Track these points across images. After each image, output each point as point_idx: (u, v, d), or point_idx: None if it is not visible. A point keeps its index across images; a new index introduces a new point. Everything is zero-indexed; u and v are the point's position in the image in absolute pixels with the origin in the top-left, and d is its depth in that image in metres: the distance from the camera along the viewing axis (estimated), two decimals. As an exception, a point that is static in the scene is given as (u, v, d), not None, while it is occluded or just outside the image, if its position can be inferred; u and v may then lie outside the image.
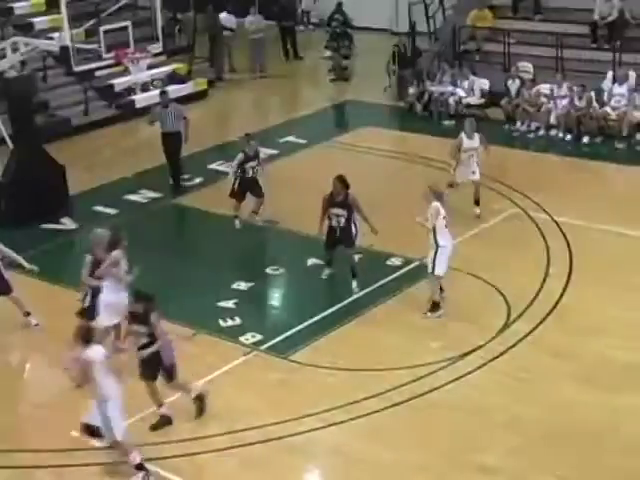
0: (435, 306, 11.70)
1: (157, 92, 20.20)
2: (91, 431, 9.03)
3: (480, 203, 14.38)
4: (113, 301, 10.52)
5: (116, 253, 10.65)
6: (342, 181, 12.14)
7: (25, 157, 15.11)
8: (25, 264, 11.84)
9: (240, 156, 13.82)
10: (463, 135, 14.32)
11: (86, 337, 8.89)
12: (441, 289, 11.86)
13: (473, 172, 14.30)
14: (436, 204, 11.50)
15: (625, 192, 15.43)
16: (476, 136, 14.37)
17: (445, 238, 11.59)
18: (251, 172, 13.85)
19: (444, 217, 11.54)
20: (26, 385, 11.30)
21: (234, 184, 14.00)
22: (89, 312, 10.68)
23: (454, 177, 14.42)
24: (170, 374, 9.68)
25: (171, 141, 16.07)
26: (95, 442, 9.19)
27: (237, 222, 14.11)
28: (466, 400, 10.03)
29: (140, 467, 8.96)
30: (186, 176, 16.55)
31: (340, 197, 12.07)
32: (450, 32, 20.83)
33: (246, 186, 13.95)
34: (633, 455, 8.99)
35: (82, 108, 20.31)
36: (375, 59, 22.98)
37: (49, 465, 9.32)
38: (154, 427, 9.70)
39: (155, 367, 9.62)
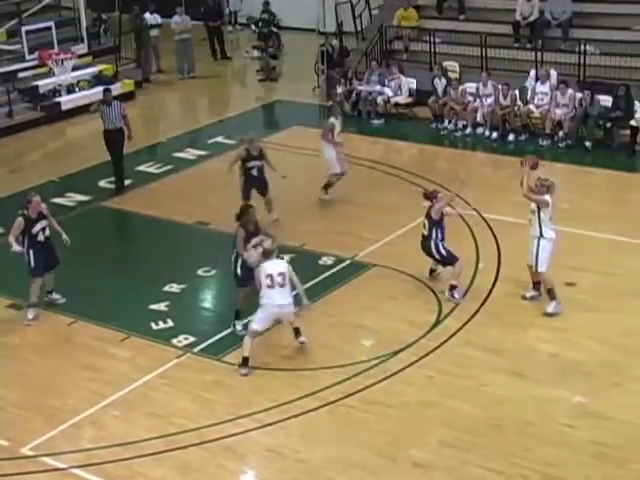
0: (244, 361, 10.50)
1: (87, 92, 20.23)
2: None
3: None
4: (334, 156, 14.66)
5: (332, 120, 14.76)
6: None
7: (-53, 161, 14.78)
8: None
9: None
10: None
11: None
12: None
13: None
14: None
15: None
16: None
17: None
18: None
19: None
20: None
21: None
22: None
23: None
24: None
25: (114, 138, 16.04)
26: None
27: None
28: (399, 397, 10.13)
29: None
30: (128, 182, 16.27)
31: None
32: (377, 31, 21.01)
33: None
34: (562, 446, 9.18)
35: (6, 110, 19.91)
36: (303, 59, 23.06)
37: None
38: None
39: None
